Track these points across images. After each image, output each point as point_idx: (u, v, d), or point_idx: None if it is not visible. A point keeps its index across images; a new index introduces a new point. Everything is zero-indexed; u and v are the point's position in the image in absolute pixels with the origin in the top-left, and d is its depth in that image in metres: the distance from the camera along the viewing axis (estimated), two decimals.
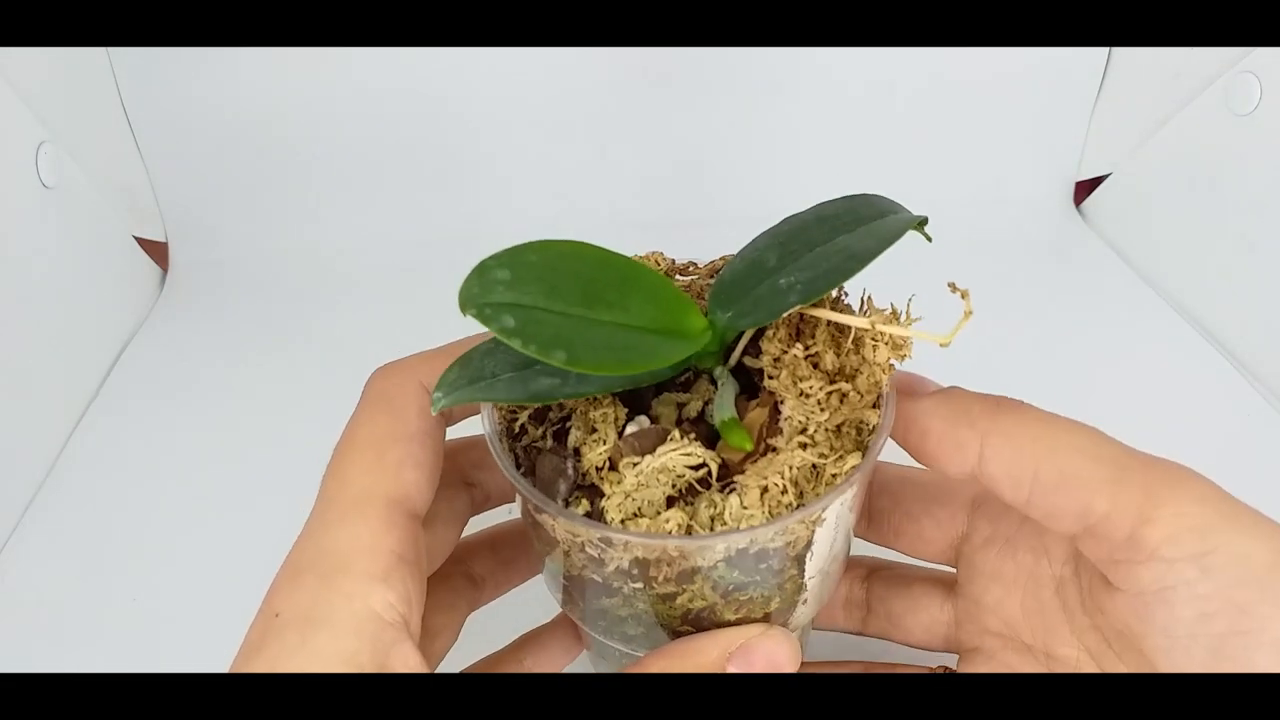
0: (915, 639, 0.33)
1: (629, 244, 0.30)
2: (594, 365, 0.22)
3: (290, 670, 0.22)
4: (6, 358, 0.47)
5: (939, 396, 0.26)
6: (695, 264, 0.30)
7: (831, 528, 0.26)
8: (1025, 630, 0.29)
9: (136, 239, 0.61)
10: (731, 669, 0.25)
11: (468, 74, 0.60)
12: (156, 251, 0.63)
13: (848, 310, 0.26)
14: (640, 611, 0.26)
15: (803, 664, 0.33)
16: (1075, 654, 0.28)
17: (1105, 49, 0.62)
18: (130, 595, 0.43)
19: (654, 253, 0.30)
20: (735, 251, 0.29)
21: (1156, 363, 0.54)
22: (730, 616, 0.26)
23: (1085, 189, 0.66)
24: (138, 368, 0.56)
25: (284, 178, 0.63)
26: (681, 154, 0.65)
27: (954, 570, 0.32)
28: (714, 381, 0.28)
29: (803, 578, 0.26)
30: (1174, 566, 0.22)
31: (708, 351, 0.26)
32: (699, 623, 0.26)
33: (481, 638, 0.33)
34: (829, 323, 0.26)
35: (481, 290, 0.22)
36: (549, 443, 0.27)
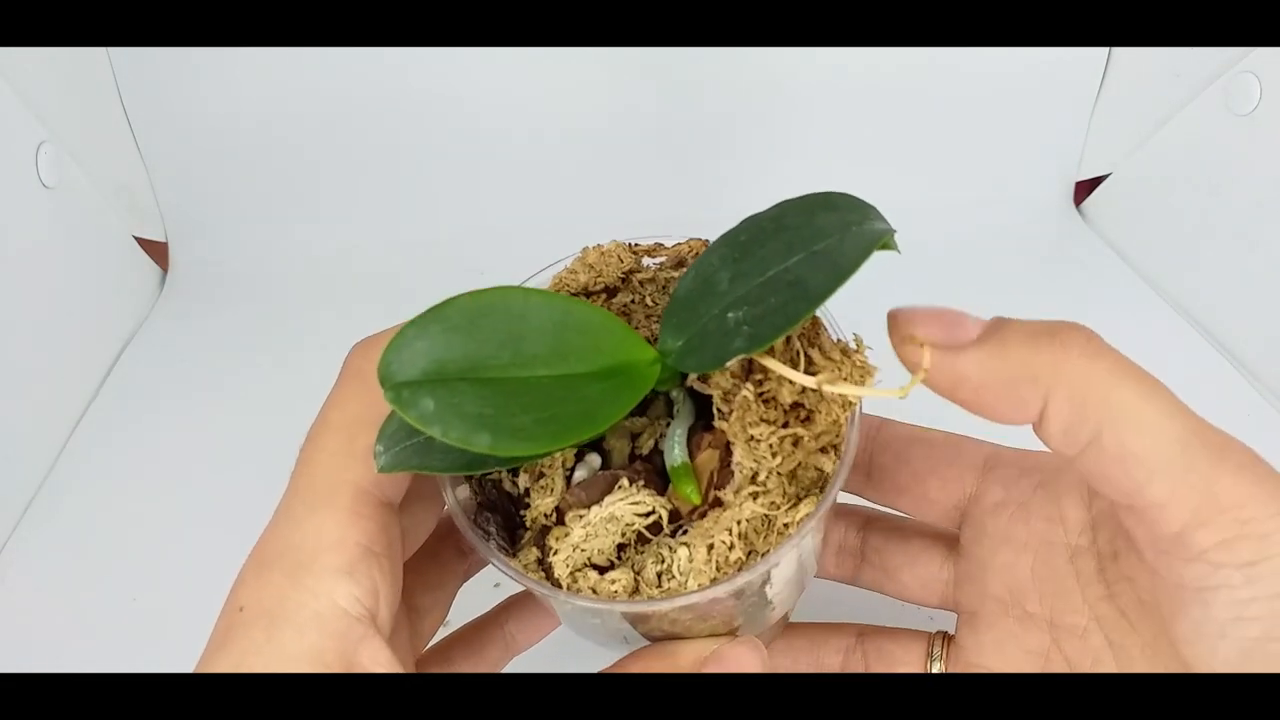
0: (910, 594, 0.32)
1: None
2: (523, 448, 0.21)
3: (255, 668, 0.22)
4: (6, 358, 0.47)
5: (992, 348, 0.22)
6: (661, 244, 0.29)
7: (791, 563, 0.25)
8: (1032, 596, 0.28)
9: (136, 239, 0.61)
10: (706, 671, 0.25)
11: (468, 74, 0.60)
12: (156, 251, 0.63)
13: (809, 352, 0.24)
14: (613, 629, 0.26)
15: (791, 624, 0.33)
16: (1084, 622, 0.27)
17: (1105, 49, 0.62)
18: (130, 595, 0.43)
19: (615, 242, 0.29)
20: (705, 235, 0.28)
21: (1156, 363, 0.53)
22: (701, 631, 0.26)
23: (1085, 189, 0.66)
24: (138, 368, 0.56)
25: (284, 178, 0.63)
26: (681, 154, 0.65)
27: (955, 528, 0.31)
28: (670, 403, 0.27)
29: (767, 599, 0.26)
30: (1220, 571, 0.22)
31: (662, 376, 0.24)
32: (671, 636, 0.26)
33: (470, 608, 0.33)
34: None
35: (399, 365, 0.20)
36: (503, 479, 0.27)
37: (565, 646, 0.34)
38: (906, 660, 0.32)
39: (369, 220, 0.64)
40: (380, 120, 0.61)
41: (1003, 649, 0.29)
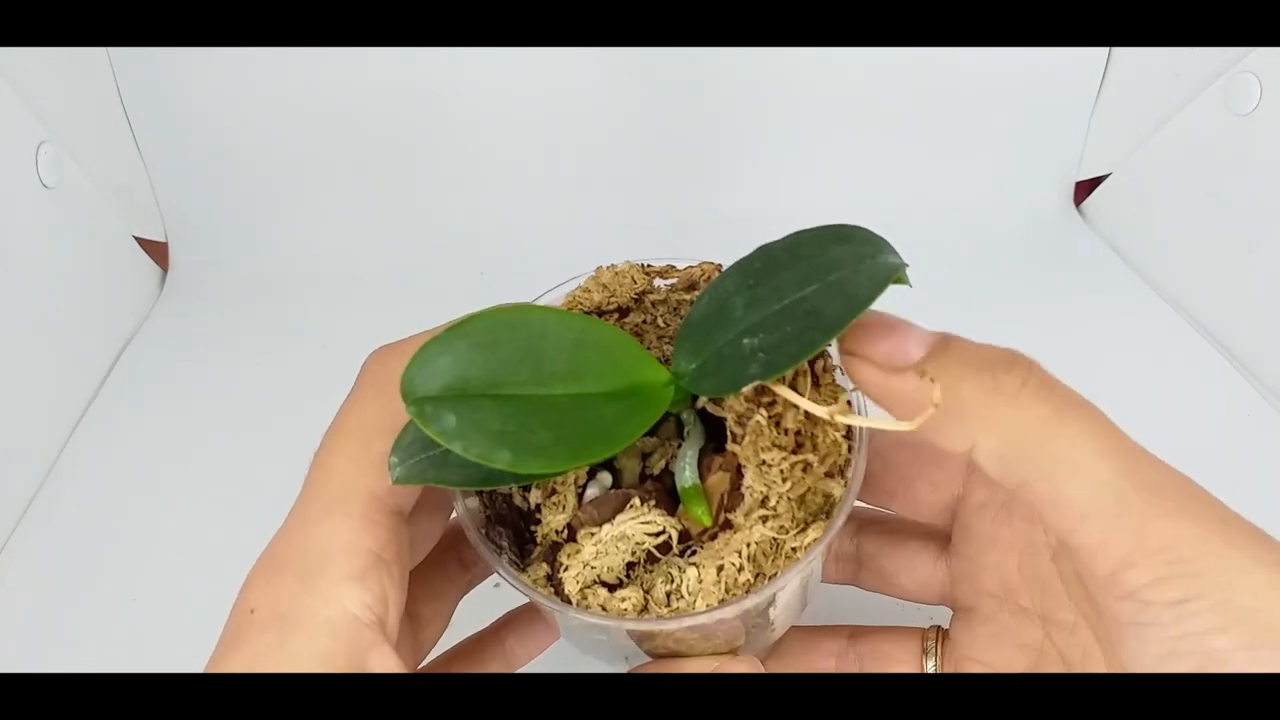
0: (909, 594, 0.33)
1: (628, 246, 0.30)
2: (542, 465, 0.21)
3: (267, 671, 0.22)
4: (7, 358, 0.47)
5: (925, 377, 0.23)
6: (674, 266, 0.29)
7: (795, 585, 0.25)
8: (1023, 593, 0.29)
9: (136, 239, 0.61)
10: None
11: (468, 74, 0.60)
12: (156, 251, 0.63)
13: (819, 384, 0.25)
14: (618, 646, 0.27)
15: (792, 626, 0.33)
16: (1072, 618, 0.27)
17: (1105, 49, 0.62)
18: (130, 595, 0.43)
19: (629, 262, 0.29)
20: (716, 259, 0.28)
21: (1156, 363, 0.54)
22: (704, 650, 0.26)
23: (1085, 189, 0.66)
24: (138, 368, 0.56)
25: (284, 178, 0.63)
26: (681, 155, 0.65)
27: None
28: (681, 424, 0.27)
29: (770, 620, 0.27)
30: (1150, 609, 0.22)
31: (675, 398, 0.25)
32: (675, 654, 0.27)
33: (468, 619, 0.33)
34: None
35: (423, 380, 0.21)
36: (514, 493, 0.27)
37: (564, 658, 0.34)
38: (902, 658, 0.32)
39: (369, 221, 0.64)
40: (381, 120, 0.61)
41: (998, 643, 0.29)
